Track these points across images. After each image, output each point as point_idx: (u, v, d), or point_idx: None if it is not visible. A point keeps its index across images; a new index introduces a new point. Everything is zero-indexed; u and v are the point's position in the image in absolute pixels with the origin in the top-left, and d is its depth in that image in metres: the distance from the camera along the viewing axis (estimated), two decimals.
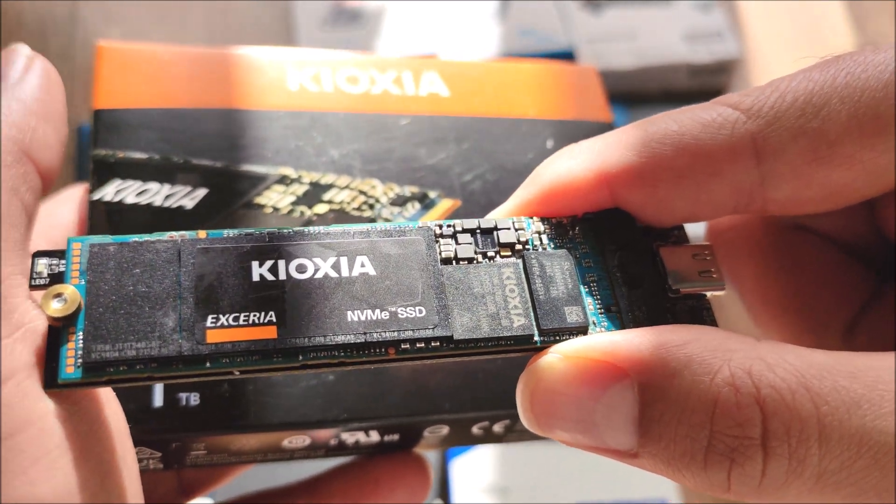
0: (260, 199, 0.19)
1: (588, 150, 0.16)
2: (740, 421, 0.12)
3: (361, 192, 0.20)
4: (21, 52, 0.16)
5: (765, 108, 0.14)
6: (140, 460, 0.17)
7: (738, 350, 0.12)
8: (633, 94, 0.53)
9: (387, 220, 0.19)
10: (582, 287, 0.15)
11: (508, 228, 0.16)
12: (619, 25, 0.54)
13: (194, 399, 0.17)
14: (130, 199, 0.19)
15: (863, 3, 0.60)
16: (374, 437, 0.19)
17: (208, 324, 0.14)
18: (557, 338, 0.15)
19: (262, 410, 0.17)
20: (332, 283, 0.14)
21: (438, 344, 0.14)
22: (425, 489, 0.21)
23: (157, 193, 0.20)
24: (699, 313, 0.16)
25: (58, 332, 0.13)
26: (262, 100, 0.21)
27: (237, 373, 0.14)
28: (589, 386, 0.13)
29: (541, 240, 0.16)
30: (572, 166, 0.16)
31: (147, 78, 0.21)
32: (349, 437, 0.19)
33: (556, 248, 0.16)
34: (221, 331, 0.14)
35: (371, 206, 0.19)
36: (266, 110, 0.21)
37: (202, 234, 0.15)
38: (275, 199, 0.19)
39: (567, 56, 0.52)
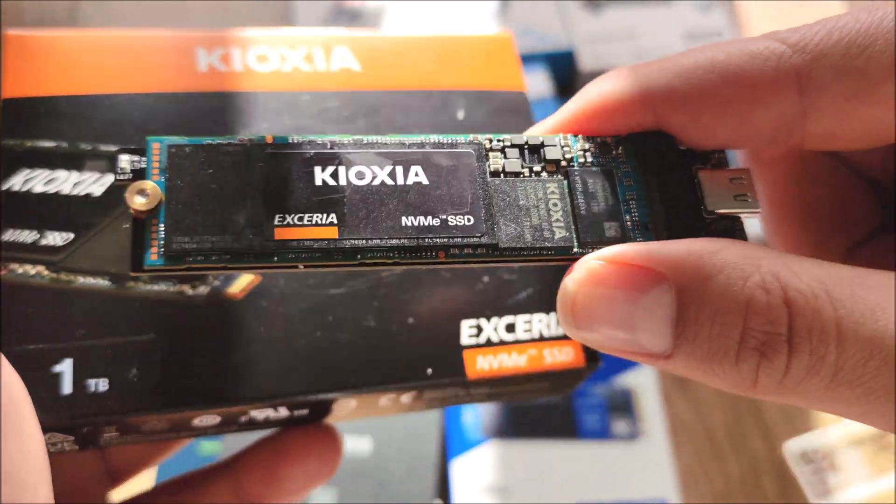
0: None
1: (636, 73, 0.16)
2: (770, 319, 0.13)
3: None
4: None
5: (811, 45, 0.15)
6: (54, 444, 0.18)
7: (766, 258, 0.13)
8: None
9: None
10: (622, 204, 0.16)
11: (554, 146, 0.17)
12: (619, 25, 0.54)
13: (103, 385, 0.17)
14: (39, 188, 0.19)
15: (862, 3, 0.60)
16: (284, 412, 0.19)
17: (275, 222, 0.15)
18: (595, 249, 0.16)
19: (168, 393, 0.18)
20: (388, 190, 0.15)
21: (485, 251, 0.15)
22: (336, 458, 0.21)
23: (65, 181, 0.20)
24: (732, 233, 0.17)
25: (142, 223, 0.15)
26: (171, 82, 0.21)
27: (301, 267, 0.15)
28: (629, 288, 0.14)
29: (585, 157, 0.17)
30: (619, 86, 0.16)
31: (54, 65, 0.21)
32: (259, 414, 0.19)
33: (599, 165, 0.16)
34: (287, 229, 0.15)
35: None
36: (174, 92, 0.21)
37: (269, 138, 0.16)
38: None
39: (567, 55, 0.52)
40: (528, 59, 0.52)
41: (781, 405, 0.43)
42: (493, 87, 0.23)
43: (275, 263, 0.15)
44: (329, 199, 0.15)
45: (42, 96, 0.21)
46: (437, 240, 0.15)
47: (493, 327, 0.20)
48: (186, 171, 0.15)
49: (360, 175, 0.16)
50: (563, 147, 0.17)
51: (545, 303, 0.20)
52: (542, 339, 0.20)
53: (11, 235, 0.19)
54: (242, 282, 0.19)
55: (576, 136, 0.17)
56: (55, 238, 0.19)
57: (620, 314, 0.14)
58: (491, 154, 0.16)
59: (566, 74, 0.54)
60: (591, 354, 0.20)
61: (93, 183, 0.20)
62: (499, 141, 0.16)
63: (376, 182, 0.15)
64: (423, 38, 0.23)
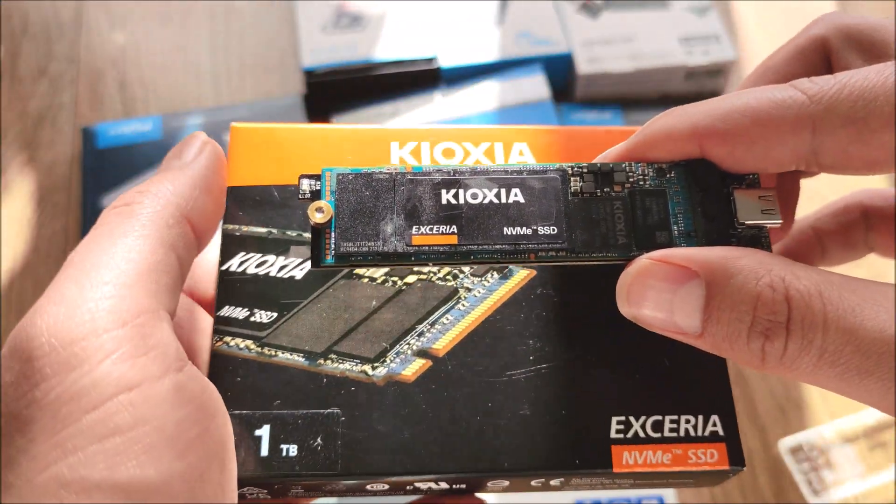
0: (359, 270, 0.23)
1: (686, 113, 0.20)
2: (774, 310, 0.17)
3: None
4: (198, 138, 0.22)
5: (826, 97, 0.18)
6: (252, 494, 0.21)
7: (777, 264, 0.18)
8: (629, 96, 0.54)
9: (468, 288, 0.23)
10: (671, 217, 0.20)
11: (621, 171, 0.21)
12: (616, 29, 0.54)
13: (293, 450, 0.20)
14: (251, 270, 0.22)
15: (857, 4, 0.61)
16: (444, 485, 0.22)
17: (413, 231, 0.20)
18: (647, 252, 0.20)
19: (348, 462, 0.20)
20: (495, 207, 0.20)
21: (565, 254, 0.20)
22: None
23: (272, 265, 0.23)
24: (758, 241, 0.20)
25: (319, 232, 0.19)
26: None
27: (431, 265, 0.20)
28: (671, 281, 0.18)
29: (644, 179, 0.21)
30: (674, 123, 0.20)
31: (270, 157, 0.24)
32: (422, 484, 0.22)
33: (655, 186, 0.20)
34: (422, 236, 0.20)
35: (455, 277, 0.23)
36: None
37: (409, 167, 0.20)
38: (371, 269, 0.23)
39: (565, 58, 0.53)
40: (525, 62, 0.52)
41: (776, 404, 0.44)
42: None
43: (412, 262, 0.19)
44: (451, 215, 0.20)
45: (258, 185, 0.24)
46: (529, 245, 0.20)
47: (641, 425, 0.21)
48: (350, 192, 0.20)
49: (474, 196, 0.20)
50: (627, 172, 0.21)
51: (693, 405, 0.22)
52: (687, 439, 0.21)
53: (227, 311, 0.22)
54: (415, 366, 0.22)
55: (637, 163, 0.21)
56: (262, 316, 0.22)
57: (662, 300, 0.18)
58: (572, 178, 0.20)
59: (564, 77, 0.54)
60: (735, 458, 0.21)
61: (295, 267, 0.23)
62: (578, 168, 0.21)
63: (486, 201, 0.20)
64: (590, 130, 0.25)
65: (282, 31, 0.58)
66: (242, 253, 0.23)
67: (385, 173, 0.20)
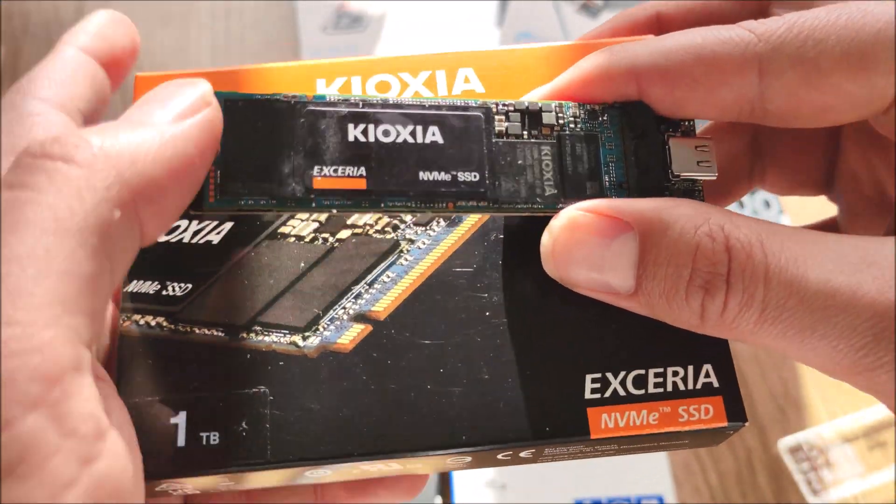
0: (283, 229, 0.20)
1: (625, 50, 0.19)
2: (714, 261, 0.16)
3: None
4: (199, 87, 0.16)
5: (774, 36, 0.17)
6: (173, 490, 0.19)
7: (715, 213, 0.16)
8: None
9: (410, 240, 0.20)
10: (602, 166, 0.18)
11: (550, 112, 0.19)
12: None
13: (214, 438, 0.18)
14: (162, 237, 0.19)
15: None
16: (396, 466, 0.19)
17: (314, 173, 0.17)
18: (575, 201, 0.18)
19: (279, 447, 0.18)
20: (409, 147, 0.17)
21: (486, 203, 0.18)
22: (421, 485, 0.22)
23: (185, 230, 0.20)
24: (692, 194, 0.19)
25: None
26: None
27: (335, 212, 0.17)
28: (601, 235, 0.17)
29: (575, 123, 0.19)
30: (611, 60, 0.19)
31: None
32: (370, 467, 0.19)
33: (586, 130, 0.19)
34: (325, 179, 0.17)
35: (395, 228, 0.20)
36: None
37: (309, 95, 0.18)
38: (298, 227, 0.20)
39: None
40: None
41: (775, 403, 0.44)
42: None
43: (312, 209, 0.17)
44: (359, 154, 0.17)
45: None
46: (448, 192, 0.17)
47: (621, 381, 0.18)
48: (240, 122, 0.17)
49: (386, 133, 0.17)
50: (557, 114, 0.19)
51: (680, 355, 0.18)
52: (676, 394, 0.18)
53: (134, 286, 0.19)
54: (352, 333, 0.19)
55: (569, 103, 0.19)
56: (175, 289, 0.19)
57: (593, 256, 0.17)
58: (497, 117, 0.18)
59: None
60: (733, 412, 0.18)
61: (211, 231, 0.20)
62: (504, 105, 0.18)
63: (400, 140, 0.17)
64: (550, 48, 0.22)
65: (282, 32, 0.58)
66: None
67: (283, 101, 0.17)
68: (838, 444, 0.42)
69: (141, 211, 0.14)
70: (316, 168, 0.17)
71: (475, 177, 0.18)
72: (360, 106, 0.17)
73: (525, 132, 0.18)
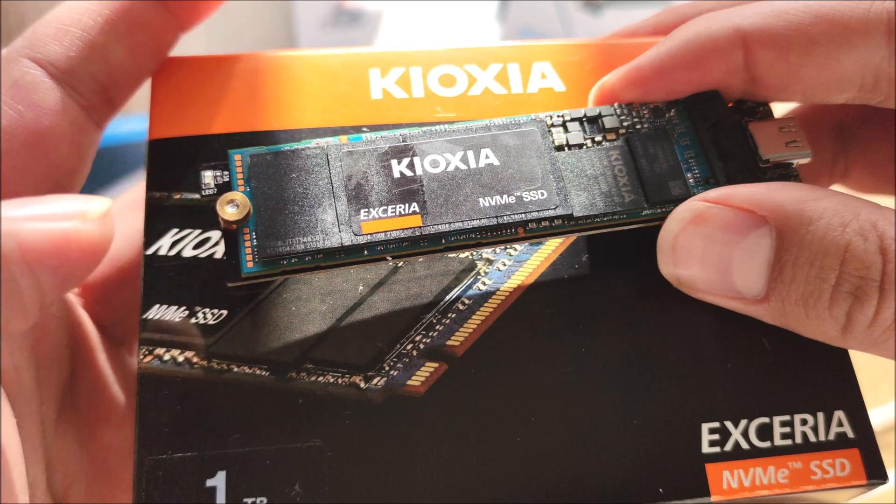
0: None
1: (730, 13, 0.16)
2: (866, 264, 0.13)
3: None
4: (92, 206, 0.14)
5: None
6: None
7: (865, 207, 0.14)
8: None
9: (489, 260, 0.18)
10: (682, 163, 0.17)
11: (612, 115, 0.17)
12: (619, 25, 0.54)
13: (261, 502, 0.15)
14: (188, 252, 0.17)
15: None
16: None
17: (362, 217, 0.15)
18: (664, 209, 0.16)
19: None
20: (463, 174, 0.16)
21: (561, 222, 0.16)
22: None
23: (218, 243, 0.17)
24: (787, 179, 0.17)
25: (234, 233, 0.15)
26: (341, 115, 0.18)
27: (390, 258, 0.15)
28: (731, 231, 0.15)
29: (641, 122, 0.17)
30: (713, 25, 0.16)
31: (206, 97, 0.18)
32: None
33: (654, 129, 0.17)
34: (374, 222, 0.15)
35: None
36: (344, 126, 0.18)
37: (343, 139, 0.16)
38: None
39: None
40: None
41: None
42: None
43: (365, 258, 0.15)
44: (409, 190, 0.16)
45: (192, 135, 0.18)
46: (515, 216, 0.16)
47: (743, 432, 0.16)
48: (270, 178, 0.15)
49: (434, 163, 0.16)
50: (619, 116, 0.17)
51: (808, 400, 0.16)
52: (807, 447, 0.16)
53: (157, 312, 0.16)
54: (424, 372, 0.16)
55: (629, 105, 0.17)
56: (208, 316, 0.16)
57: (719, 255, 0.15)
58: (553, 129, 0.17)
59: None
60: (872, 467, 0.16)
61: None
62: (559, 116, 0.17)
63: (451, 168, 0.16)
64: (635, 43, 0.20)
65: (280, 30, 0.58)
66: (175, 229, 0.17)
67: (313, 148, 0.16)
68: None
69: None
70: (363, 212, 0.15)
71: (542, 194, 0.16)
72: (402, 140, 0.16)
73: (588, 140, 0.17)
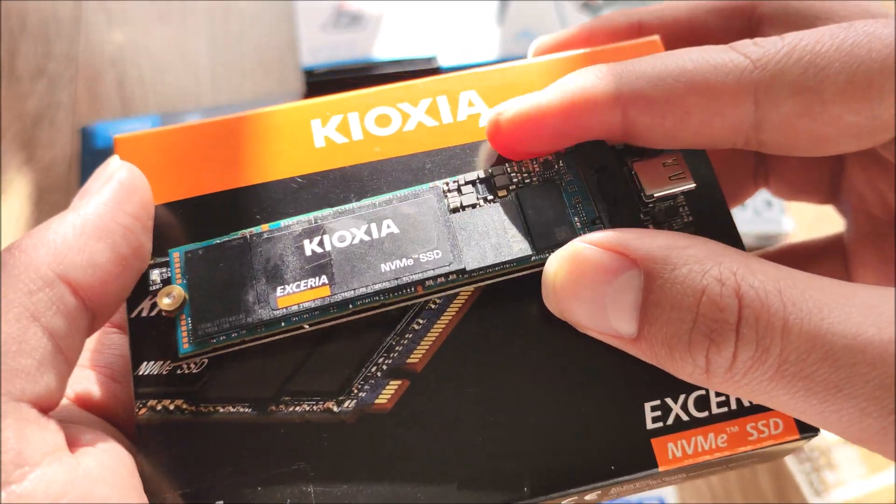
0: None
1: (611, 73, 0.17)
2: (721, 307, 0.14)
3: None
4: (107, 167, 0.18)
5: (772, 63, 0.16)
6: None
7: (729, 256, 0.15)
8: None
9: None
10: (568, 209, 0.18)
11: (503, 174, 0.19)
12: None
13: None
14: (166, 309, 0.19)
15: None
16: None
17: (277, 294, 0.17)
18: (549, 253, 0.17)
19: None
20: (367, 245, 0.18)
21: (455, 276, 0.18)
22: None
23: None
24: (675, 210, 0.19)
25: (172, 321, 0.18)
26: (290, 166, 0.20)
27: (307, 326, 0.18)
28: (603, 272, 0.16)
29: (531, 177, 0.19)
30: (597, 84, 0.17)
31: (168, 166, 0.20)
32: None
33: (543, 181, 0.19)
34: (288, 297, 0.17)
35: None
36: (294, 177, 0.20)
37: (265, 227, 0.18)
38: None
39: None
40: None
41: None
42: None
43: (282, 329, 0.17)
44: (319, 265, 0.18)
45: (159, 203, 0.19)
46: (414, 276, 0.17)
47: (682, 405, 0.17)
48: (202, 269, 0.18)
49: (341, 238, 0.18)
50: (510, 174, 0.19)
51: None
52: (742, 412, 0.17)
53: (145, 369, 0.18)
54: (389, 390, 0.18)
55: (519, 161, 0.19)
56: (190, 366, 0.18)
57: (594, 293, 0.16)
58: (449, 194, 0.19)
59: None
60: (804, 424, 0.17)
61: None
62: (454, 182, 0.19)
63: (356, 241, 0.18)
64: (559, 59, 0.21)
65: (281, 31, 0.58)
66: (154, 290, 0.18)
67: (237, 238, 0.18)
68: (840, 445, 0.42)
69: (67, 275, 0.16)
70: (279, 289, 0.17)
71: (437, 254, 0.18)
72: (313, 222, 0.18)
73: (480, 200, 0.18)
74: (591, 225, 0.18)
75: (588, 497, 0.18)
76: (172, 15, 0.59)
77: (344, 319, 0.18)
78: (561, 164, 0.19)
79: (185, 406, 0.17)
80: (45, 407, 0.15)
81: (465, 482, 0.17)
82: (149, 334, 0.18)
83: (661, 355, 0.15)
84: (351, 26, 0.53)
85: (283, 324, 0.17)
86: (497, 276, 0.18)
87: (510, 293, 0.18)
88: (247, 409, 0.17)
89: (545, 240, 0.18)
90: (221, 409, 0.17)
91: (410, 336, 0.18)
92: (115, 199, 0.17)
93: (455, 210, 0.18)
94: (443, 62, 0.52)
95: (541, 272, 0.18)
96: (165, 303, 0.18)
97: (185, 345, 0.17)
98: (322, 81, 0.51)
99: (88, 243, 0.16)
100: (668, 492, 0.39)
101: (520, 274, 0.18)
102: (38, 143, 0.53)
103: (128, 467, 0.16)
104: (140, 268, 0.18)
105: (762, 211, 0.46)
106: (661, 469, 0.17)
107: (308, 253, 0.18)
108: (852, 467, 0.41)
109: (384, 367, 0.18)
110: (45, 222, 0.16)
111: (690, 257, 0.15)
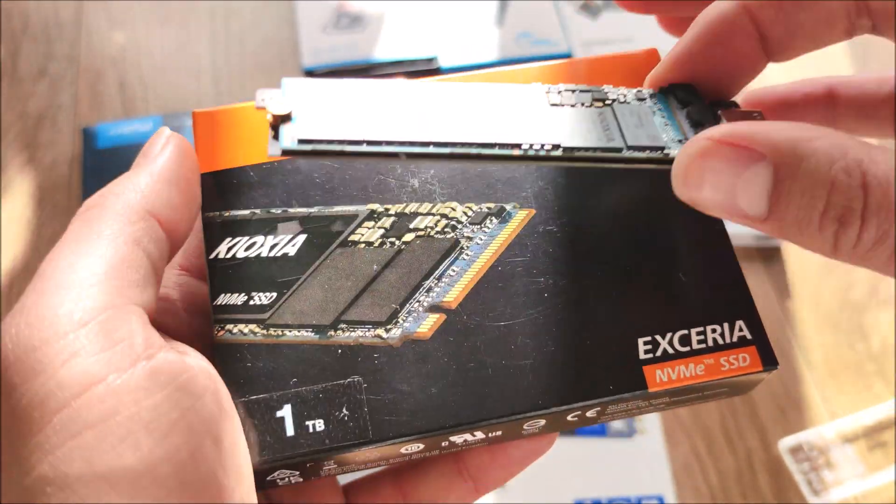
0: (353, 237, 0.22)
1: None
2: (850, 196, 0.16)
3: (443, 216, 0.23)
4: (161, 134, 0.21)
5: None
6: (283, 479, 0.21)
7: (854, 147, 0.16)
8: None
9: (469, 237, 0.22)
10: (658, 128, 0.20)
11: (607, 92, 0.20)
12: (616, 28, 0.54)
13: (319, 425, 0.20)
14: (241, 254, 0.22)
15: None
16: (480, 435, 0.21)
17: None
18: (640, 153, 0.19)
19: (378, 427, 0.20)
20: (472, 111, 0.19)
21: (551, 148, 0.18)
22: (554, 435, 0.24)
23: (262, 245, 0.22)
24: None
25: (279, 121, 0.18)
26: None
27: (404, 156, 0.18)
28: (734, 164, 0.17)
29: (624, 97, 0.20)
30: (722, 7, 0.20)
31: (239, 137, 0.23)
32: (458, 439, 0.21)
33: (636, 102, 0.20)
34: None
35: (454, 228, 0.22)
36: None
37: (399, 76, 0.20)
38: (366, 234, 0.22)
39: (564, 59, 0.53)
40: (525, 62, 0.53)
41: (776, 404, 0.44)
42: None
43: (381, 151, 0.18)
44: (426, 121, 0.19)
45: (232, 168, 0.23)
46: (512, 139, 0.18)
47: (669, 341, 0.21)
48: (313, 98, 0.18)
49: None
50: (605, 91, 0.20)
51: (717, 314, 0.21)
52: (717, 348, 0.21)
53: (223, 299, 0.21)
54: (429, 322, 0.21)
55: (616, 88, 0.20)
56: (261, 298, 0.21)
57: (725, 184, 0.17)
58: (548, 95, 0.20)
59: None
60: (767, 358, 0.21)
61: (287, 244, 0.22)
62: (556, 87, 0.20)
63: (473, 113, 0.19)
64: (564, 63, 0.25)
65: (282, 31, 0.58)
66: (228, 238, 0.22)
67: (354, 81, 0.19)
68: (839, 445, 0.42)
69: (154, 211, 0.19)
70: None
71: (537, 131, 0.19)
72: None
73: (578, 103, 0.20)
74: (677, 143, 0.19)
75: (589, 413, 0.22)
76: (173, 16, 0.59)
77: (444, 161, 0.19)
78: (653, 98, 0.20)
79: (256, 329, 0.21)
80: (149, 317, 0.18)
81: (489, 396, 0.20)
82: (225, 272, 0.21)
83: (790, 233, 0.17)
84: (351, 27, 0.54)
85: (383, 146, 0.18)
86: (589, 161, 0.19)
87: (531, 245, 0.22)
88: (310, 334, 0.21)
89: (636, 138, 0.19)
90: (288, 333, 0.21)
91: (447, 280, 0.22)
92: (176, 156, 0.20)
93: (554, 105, 0.19)
94: (443, 63, 0.52)
95: (631, 169, 0.19)
96: (275, 108, 0.18)
97: (288, 140, 0.18)
98: None
99: (165, 187, 0.20)
100: (667, 490, 0.39)
101: (608, 165, 0.19)
102: (39, 144, 0.53)
103: (213, 372, 0.19)
104: (196, 215, 0.21)
105: None
106: (650, 390, 0.21)
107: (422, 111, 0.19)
108: (850, 466, 0.41)
109: (425, 303, 0.21)
110: (122, 176, 0.20)
111: (818, 149, 0.16)
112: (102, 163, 0.49)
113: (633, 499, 0.38)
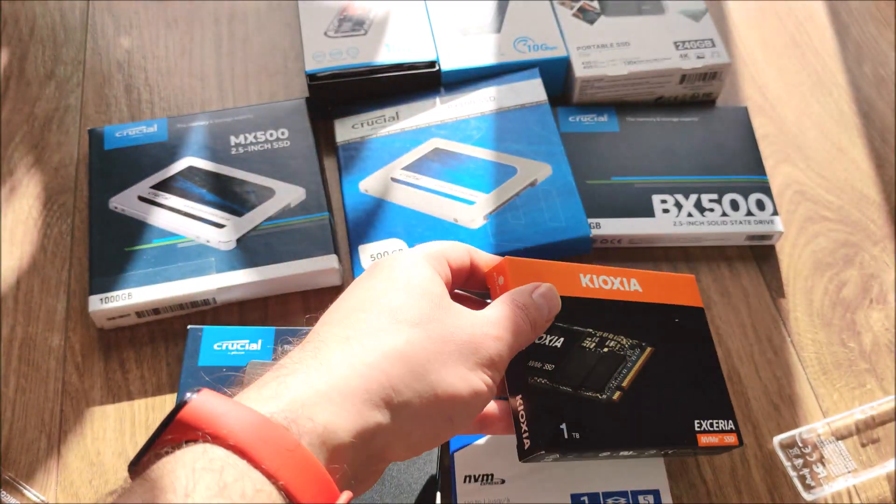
0: (585, 343, 0.36)
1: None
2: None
3: (616, 341, 0.37)
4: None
5: None
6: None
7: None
8: (625, 99, 0.55)
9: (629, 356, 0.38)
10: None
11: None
12: (612, 33, 0.55)
13: (576, 435, 0.34)
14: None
15: (849, 4, 0.62)
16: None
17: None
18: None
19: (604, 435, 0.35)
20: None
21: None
22: None
23: (543, 340, 0.37)
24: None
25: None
26: (569, 290, 0.37)
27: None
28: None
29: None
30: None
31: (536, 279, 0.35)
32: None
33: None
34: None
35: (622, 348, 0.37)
36: (572, 297, 0.37)
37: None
38: (587, 342, 0.37)
39: (562, 63, 0.54)
40: (523, 66, 0.53)
41: (769, 401, 0.44)
42: (683, 304, 0.41)
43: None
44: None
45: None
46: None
47: (704, 428, 0.38)
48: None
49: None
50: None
51: (722, 412, 0.39)
52: (720, 431, 0.38)
53: (533, 363, 0.36)
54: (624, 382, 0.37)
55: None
56: (546, 366, 0.35)
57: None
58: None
59: (561, 81, 0.55)
60: (740, 440, 0.39)
61: (552, 341, 0.36)
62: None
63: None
64: (672, 276, 0.41)
65: (285, 36, 0.59)
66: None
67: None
68: (831, 441, 0.42)
69: (447, 256, 0.34)
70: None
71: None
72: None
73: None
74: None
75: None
76: (179, 20, 0.60)
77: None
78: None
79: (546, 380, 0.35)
80: None
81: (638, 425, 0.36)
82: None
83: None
84: (354, 31, 0.54)
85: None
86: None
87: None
88: (567, 389, 0.35)
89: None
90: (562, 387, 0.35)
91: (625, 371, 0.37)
92: (445, 248, 0.34)
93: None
94: (443, 66, 0.53)
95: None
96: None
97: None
98: (325, 85, 0.52)
99: (447, 250, 0.34)
100: (663, 485, 0.40)
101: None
102: (46, 146, 0.54)
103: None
104: (465, 278, 0.35)
105: (756, 212, 0.47)
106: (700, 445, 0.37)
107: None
108: (843, 462, 0.42)
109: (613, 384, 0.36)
110: (423, 245, 0.34)
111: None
112: (109, 164, 0.50)
113: (629, 493, 0.38)
